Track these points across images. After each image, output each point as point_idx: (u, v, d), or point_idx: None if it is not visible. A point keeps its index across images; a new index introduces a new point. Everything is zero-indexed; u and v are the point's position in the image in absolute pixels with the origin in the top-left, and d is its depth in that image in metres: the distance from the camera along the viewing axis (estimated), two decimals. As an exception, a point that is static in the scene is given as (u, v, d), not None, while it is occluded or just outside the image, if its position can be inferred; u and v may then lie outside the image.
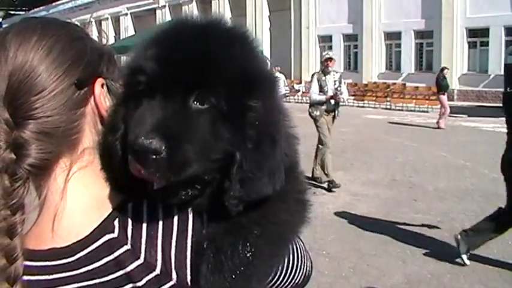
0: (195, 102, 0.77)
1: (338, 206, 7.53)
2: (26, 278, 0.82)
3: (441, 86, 16.98)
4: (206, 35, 0.80)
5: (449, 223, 6.60)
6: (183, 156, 0.74)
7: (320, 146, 8.75)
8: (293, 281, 0.97)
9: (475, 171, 9.63)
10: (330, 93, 8.54)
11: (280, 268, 0.93)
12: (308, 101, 9.26)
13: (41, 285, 0.83)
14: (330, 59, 8.68)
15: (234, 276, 0.79)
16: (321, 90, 8.60)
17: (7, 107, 0.82)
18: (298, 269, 0.97)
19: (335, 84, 8.64)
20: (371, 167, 10.33)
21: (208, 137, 0.76)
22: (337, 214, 7.13)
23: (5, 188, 0.81)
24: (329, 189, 8.37)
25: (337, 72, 8.99)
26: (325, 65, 8.72)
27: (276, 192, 0.83)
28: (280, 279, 0.94)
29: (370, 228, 6.51)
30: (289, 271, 0.94)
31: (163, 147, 0.72)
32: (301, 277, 0.99)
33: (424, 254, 5.64)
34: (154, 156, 0.72)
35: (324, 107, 8.60)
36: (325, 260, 5.46)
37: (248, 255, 0.80)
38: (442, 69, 17.40)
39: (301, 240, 1.00)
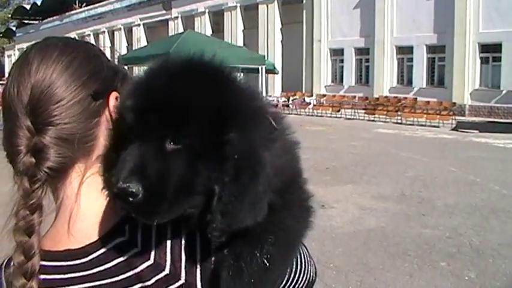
0: (171, 144, 0.81)
1: (346, 219, 7.54)
2: (42, 276, 0.88)
3: None
4: (177, 80, 0.83)
5: (457, 239, 6.58)
6: (159, 197, 0.79)
7: None
8: (297, 285, 1.00)
9: (485, 187, 9.56)
10: None
11: (287, 273, 0.97)
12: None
13: (56, 283, 0.88)
14: None
15: (252, 280, 0.84)
16: None
17: (29, 115, 0.89)
18: (303, 274, 1.01)
19: None
20: (380, 181, 10.32)
21: (185, 175, 0.80)
22: (346, 227, 7.13)
23: (25, 189, 0.87)
24: None
25: None
26: None
27: (283, 201, 0.88)
28: (285, 284, 0.97)
29: (378, 242, 6.51)
30: (292, 276, 0.98)
31: (140, 189, 0.77)
32: (305, 282, 1.02)
33: (431, 269, 5.62)
34: (131, 199, 0.78)
35: None
36: (332, 274, 5.46)
37: (265, 261, 0.85)
38: None
39: (305, 246, 1.03)
